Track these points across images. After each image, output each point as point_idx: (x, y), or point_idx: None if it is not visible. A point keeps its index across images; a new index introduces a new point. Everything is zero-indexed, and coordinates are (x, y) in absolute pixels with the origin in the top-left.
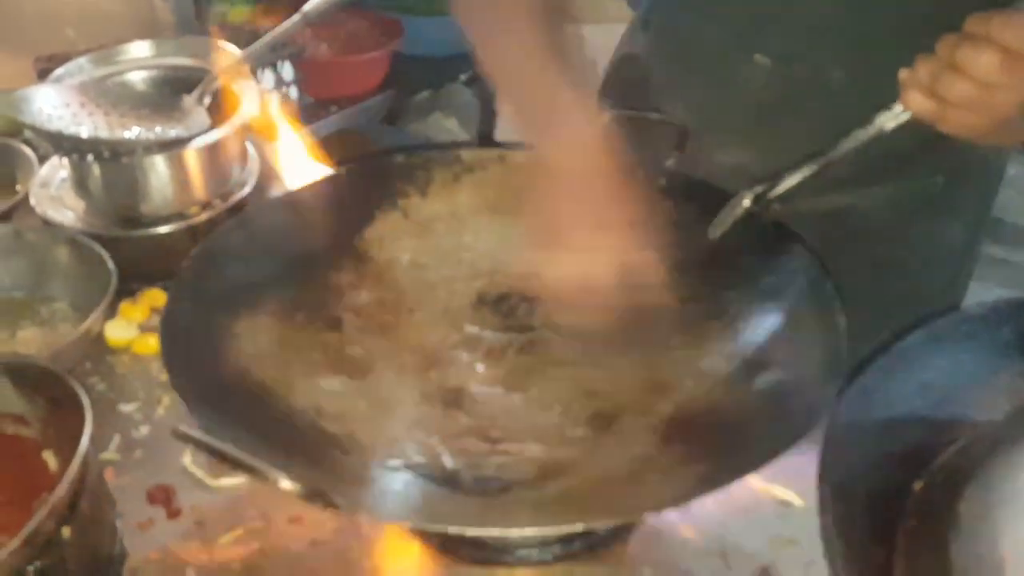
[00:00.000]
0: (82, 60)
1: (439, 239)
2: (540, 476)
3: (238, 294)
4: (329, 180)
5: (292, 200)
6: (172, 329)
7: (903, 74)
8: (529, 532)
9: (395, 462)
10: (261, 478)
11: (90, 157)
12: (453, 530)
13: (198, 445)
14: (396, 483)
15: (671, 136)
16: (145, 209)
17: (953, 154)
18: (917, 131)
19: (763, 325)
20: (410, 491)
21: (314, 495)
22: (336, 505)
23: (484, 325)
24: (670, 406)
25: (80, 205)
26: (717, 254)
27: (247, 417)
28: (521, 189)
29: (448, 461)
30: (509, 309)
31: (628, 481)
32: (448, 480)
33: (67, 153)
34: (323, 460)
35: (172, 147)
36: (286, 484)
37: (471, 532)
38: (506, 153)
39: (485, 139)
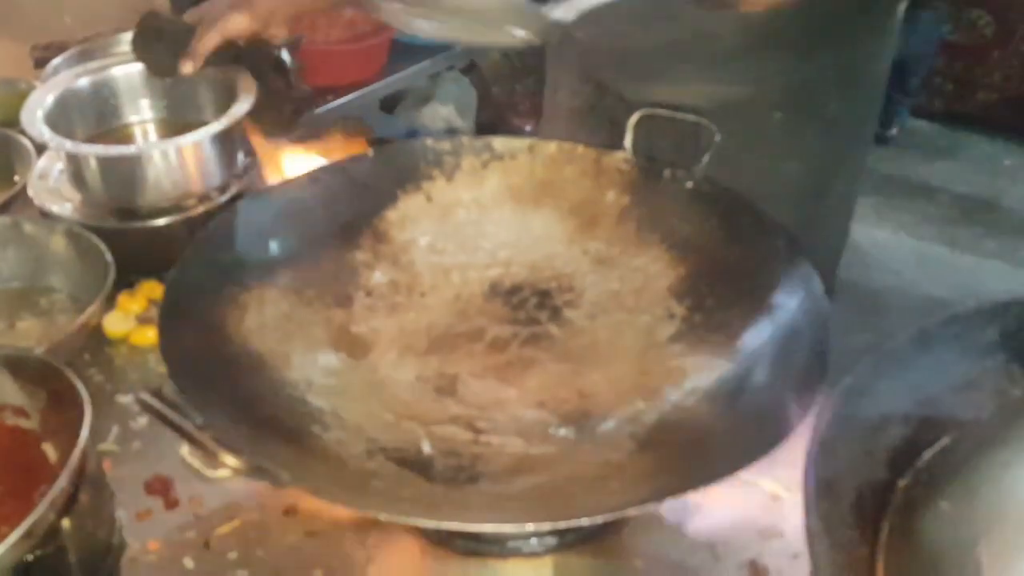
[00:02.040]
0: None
1: (460, 225)
2: (511, 471)
3: (252, 264)
4: (356, 159)
5: (318, 176)
6: (177, 291)
7: None
8: (471, 527)
9: (371, 443)
10: (207, 453)
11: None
12: (384, 517)
13: (155, 414)
14: (367, 463)
15: (702, 137)
16: (142, 202)
17: (781, 84)
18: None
19: (757, 342)
20: (377, 473)
21: (256, 472)
22: (282, 481)
23: (493, 316)
24: (655, 415)
25: (78, 196)
26: (728, 266)
27: (232, 387)
28: (548, 181)
29: (426, 447)
30: (520, 302)
31: (590, 486)
32: (420, 466)
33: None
34: (299, 435)
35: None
36: (229, 460)
37: (408, 521)
38: (536, 143)
39: (482, 128)
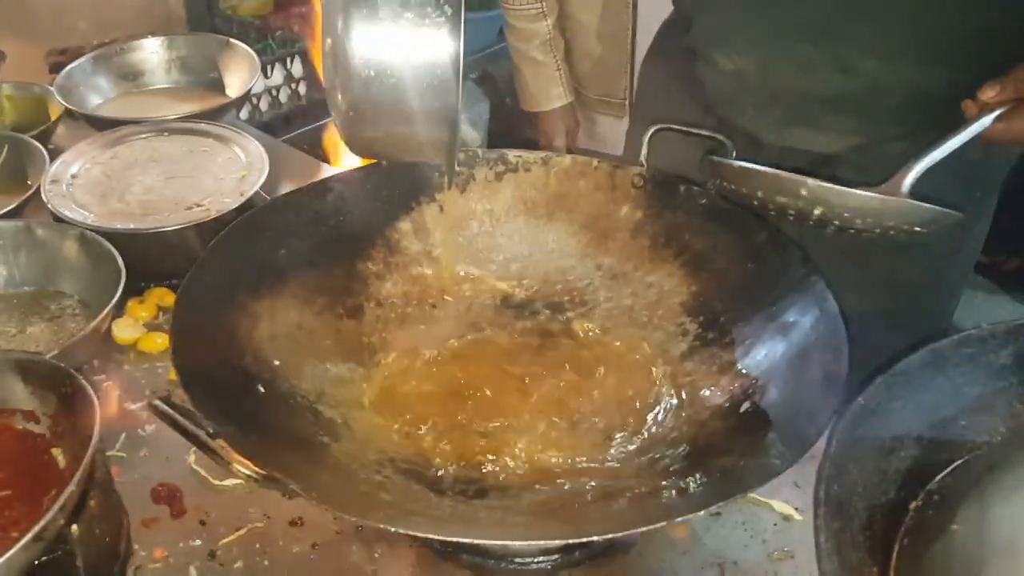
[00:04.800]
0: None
1: (472, 237)
2: (520, 485)
3: (263, 274)
4: (370, 169)
5: (330, 186)
6: (189, 299)
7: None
8: (479, 542)
9: (380, 454)
10: (220, 461)
11: None
12: (391, 529)
13: (167, 421)
14: (375, 475)
15: (718, 152)
16: None
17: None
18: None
19: (770, 359)
20: (385, 485)
21: (265, 481)
22: (291, 491)
23: (504, 328)
24: (665, 431)
25: (91, 201)
26: (742, 283)
27: (243, 396)
28: (562, 194)
29: (436, 459)
30: (531, 315)
31: (599, 503)
32: (428, 479)
33: None
34: (309, 446)
35: None
36: (240, 468)
37: (415, 534)
38: (550, 156)
39: (495, 139)
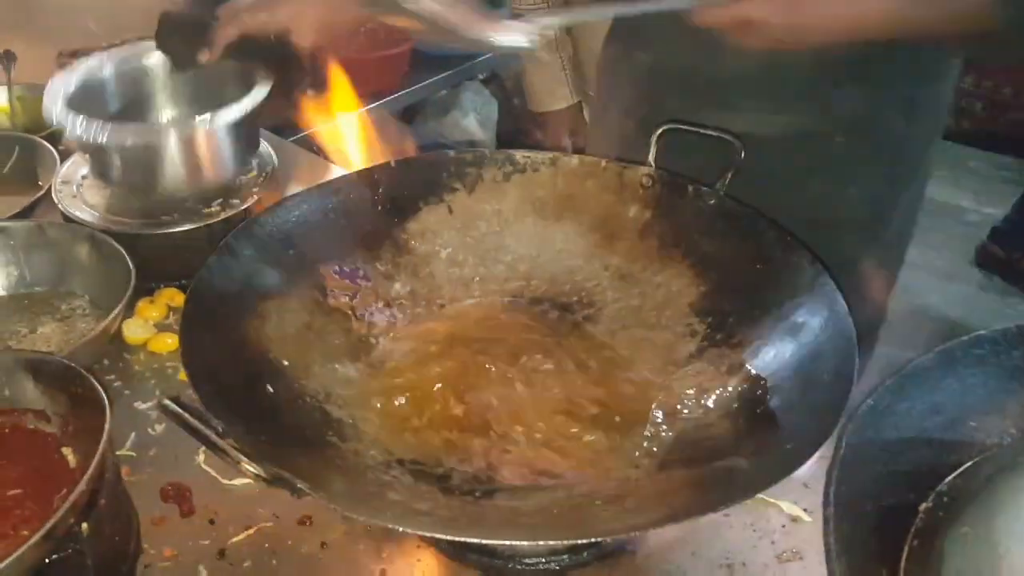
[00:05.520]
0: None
1: (481, 238)
2: (528, 486)
3: (272, 273)
4: (379, 170)
5: (339, 186)
6: (198, 299)
7: None
8: (487, 542)
9: (388, 454)
10: (230, 461)
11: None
12: (400, 529)
13: (177, 420)
14: (384, 475)
15: (725, 152)
16: (160, 190)
17: (850, 111)
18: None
19: (779, 360)
20: (394, 484)
21: (274, 481)
22: (300, 491)
23: (512, 329)
24: (674, 433)
25: (101, 202)
26: (750, 284)
27: (252, 396)
28: (570, 195)
29: (444, 459)
30: (540, 314)
31: (607, 504)
32: (437, 478)
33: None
34: (317, 445)
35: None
36: (249, 467)
37: (423, 533)
38: (559, 156)
39: (503, 139)
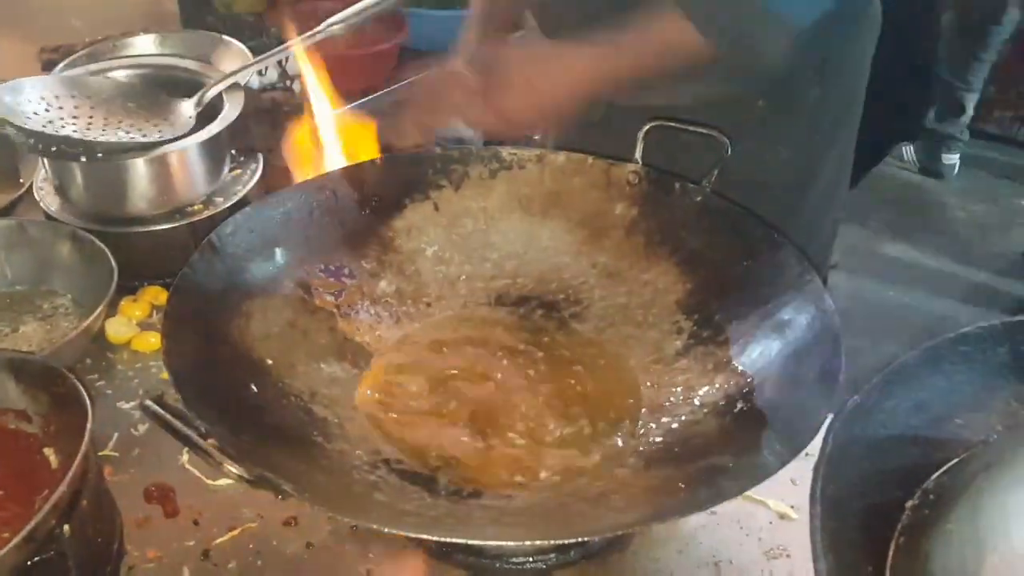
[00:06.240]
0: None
1: (467, 235)
2: (514, 485)
3: (256, 272)
4: (364, 167)
5: (324, 184)
6: (182, 298)
7: None
8: (473, 542)
9: (374, 454)
10: (212, 462)
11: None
12: (386, 530)
13: (159, 422)
14: (370, 475)
15: (712, 148)
16: (130, 210)
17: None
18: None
19: (765, 358)
20: (380, 485)
21: (258, 482)
22: (284, 492)
23: (499, 327)
24: (661, 431)
25: (82, 200)
26: (737, 282)
27: (236, 395)
28: (557, 192)
29: (429, 459)
30: (527, 313)
31: (594, 503)
32: (423, 479)
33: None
34: (302, 446)
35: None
36: (232, 469)
37: (410, 534)
38: (545, 154)
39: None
